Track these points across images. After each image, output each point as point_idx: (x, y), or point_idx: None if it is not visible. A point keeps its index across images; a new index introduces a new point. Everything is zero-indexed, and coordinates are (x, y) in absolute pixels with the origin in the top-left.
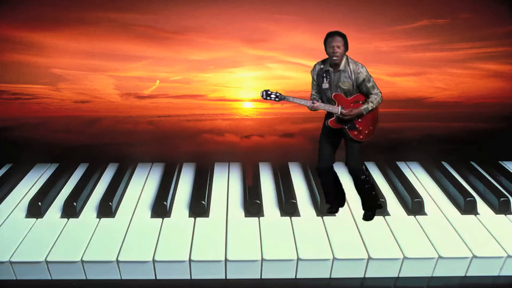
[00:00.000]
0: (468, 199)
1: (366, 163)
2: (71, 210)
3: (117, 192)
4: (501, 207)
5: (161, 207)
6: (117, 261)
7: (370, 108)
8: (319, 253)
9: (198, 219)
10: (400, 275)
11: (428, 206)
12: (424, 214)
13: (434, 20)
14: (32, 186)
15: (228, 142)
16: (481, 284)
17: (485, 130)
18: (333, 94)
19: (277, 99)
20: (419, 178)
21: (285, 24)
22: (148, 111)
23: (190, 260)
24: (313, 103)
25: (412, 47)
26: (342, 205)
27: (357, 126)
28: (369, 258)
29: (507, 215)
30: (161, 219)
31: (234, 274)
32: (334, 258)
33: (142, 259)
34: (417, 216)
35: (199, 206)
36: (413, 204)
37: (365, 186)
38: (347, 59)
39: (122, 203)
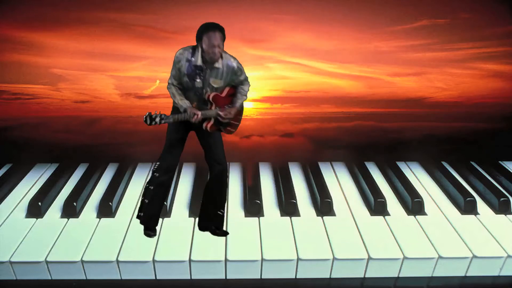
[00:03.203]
0: (468, 199)
1: (366, 163)
2: (71, 210)
3: (117, 192)
4: (501, 207)
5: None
6: (117, 261)
7: (244, 100)
8: (319, 253)
9: (198, 219)
10: (400, 275)
11: (428, 206)
12: (424, 214)
13: (434, 20)
14: (32, 186)
15: (228, 142)
16: (481, 284)
17: (485, 130)
18: (211, 95)
19: (162, 121)
20: (419, 178)
21: (285, 24)
22: (148, 111)
23: (190, 260)
24: (194, 114)
25: (412, 47)
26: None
27: (232, 122)
28: (369, 258)
29: (507, 215)
30: (161, 219)
31: (234, 274)
32: (334, 258)
33: (142, 259)
34: (417, 216)
35: (199, 206)
36: (413, 204)
37: (226, 188)
38: (221, 53)
39: (122, 203)
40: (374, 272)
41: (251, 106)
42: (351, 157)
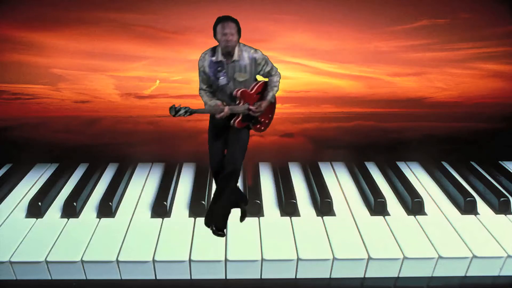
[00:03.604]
0: (468, 199)
1: (366, 163)
2: (71, 210)
3: (117, 192)
4: (501, 207)
5: (161, 207)
6: (117, 261)
7: (275, 92)
8: (319, 253)
9: (198, 219)
10: (400, 275)
11: (428, 206)
12: (424, 214)
13: (434, 20)
14: (32, 186)
15: None
16: (481, 284)
17: (485, 130)
18: (239, 91)
19: (187, 114)
20: (419, 178)
21: (285, 24)
22: (148, 111)
23: (190, 260)
24: (224, 106)
25: (412, 47)
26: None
27: (261, 119)
28: (369, 258)
29: (507, 215)
30: (161, 219)
31: (234, 274)
32: (334, 258)
33: (142, 259)
34: (417, 216)
35: (199, 206)
36: (413, 204)
37: (231, 188)
38: (239, 46)
39: (122, 203)
40: (374, 272)
41: None
42: (351, 157)
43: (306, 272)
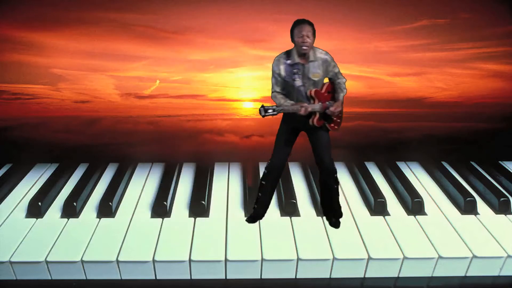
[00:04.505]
0: (468, 199)
1: (366, 163)
2: (71, 210)
3: (117, 192)
4: (501, 207)
5: (161, 207)
6: (117, 261)
7: (345, 93)
8: (319, 253)
9: (198, 219)
10: (400, 275)
11: (428, 206)
12: (424, 214)
13: (434, 20)
14: (32, 186)
15: (228, 142)
16: (481, 284)
17: (485, 130)
18: (312, 91)
19: (275, 113)
20: (419, 178)
21: (285, 24)
22: (148, 111)
23: (190, 260)
24: (304, 106)
25: (412, 47)
26: (265, 212)
27: (335, 119)
28: (369, 258)
29: (507, 215)
30: (161, 219)
31: (234, 274)
32: (334, 258)
33: (142, 259)
34: (417, 216)
35: (199, 206)
36: (413, 204)
37: (334, 187)
38: (312, 48)
39: (122, 203)
40: (374, 272)
41: (251, 106)
42: (351, 157)
43: (306, 272)
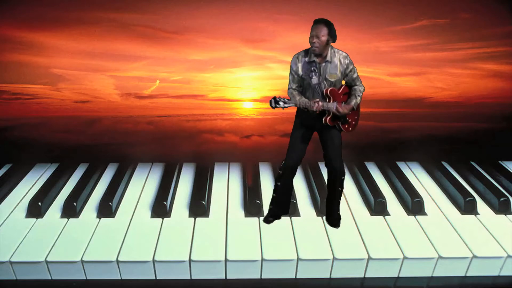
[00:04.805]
0: (468, 199)
1: (366, 163)
2: (71, 210)
3: (117, 192)
4: (501, 207)
5: (161, 207)
6: (117, 261)
7: (358, 102)
8: (319, 253)
9: (198, 219)
10: (400, 275)
11: (428, 206)
12: (424, 214)
13: (434, 20)
14: (32, 186)
15: (228, 142)
16: (481, 284)
17: (485, 130)
18: (328, 90)
19: (286, 105)
20: (419, 178)
21: (285, 24)
22: (148, 111)
23: (190, 260)
24: (318, 102)
25: (412, 47)
26: (286, 212)
27: (348, 119)
28: (369, 258)
29: (507, 215)
30: (161, 219)
31: (234, 274)
32: (334, 258)
33: (142, 259)
34: (417, 216)
35: (199, 206)
36: (413, 204)
37: (339, 189)
38: (332, 49)
39: (122, 203)
40: (374, 272)
41: (251, 106)
42: (351, 157)
43: (306, 272)
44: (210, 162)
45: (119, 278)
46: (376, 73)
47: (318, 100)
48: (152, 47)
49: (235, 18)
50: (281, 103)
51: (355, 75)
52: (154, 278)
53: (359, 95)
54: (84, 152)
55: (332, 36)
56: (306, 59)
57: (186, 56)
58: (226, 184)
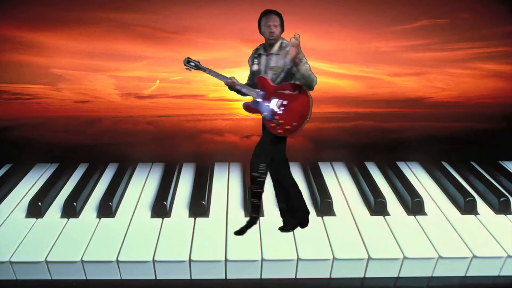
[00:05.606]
0: (468, 199)
1: (366, 163)
2: (71, 210)
3: (117, 192)
4: (501, 207)
5: (161, 207)
6: (117, 261)
7: (307, 72)
8: (319, 253)
9: (198, 219)
10: (400, 275)
11: (428, 206)
12: (424, 214)
13: (434, 20)
14: (32, 186)
15: (228, 142)
16: (481, 284)
17: (485, 130)
18: (260, 77)
19: (195, 67)
20: (419, 178)
21: (285, 24)
22: (148, 111)
23: (190, 260)
24: (231, 79)
25: (412, 47)
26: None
27: (276, 117)
28: (369, 258)
29: (507, 215)
30: (161, 219)
31: (234, 274)
32: (334, 258)
33: (142, 259)
34: (417, 216)
35: (199, 206)
36: (413, 204)
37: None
38: (282, 42)
39: (122, 203)
40: (374, 272)
41: None
42: (351, 157)
43: (306, 272)
44: (210, 162)
45: (119, 278)
46: (376, 73)
47: (234, 78)
48: (152, 47)
49: (235, 18)
50: (192, 63)
51: (305, 64)
52: (154, 278)
53: (309, 70)
54: (84, 152)
55: (283, 27)
56: (258, 49)
57: (186, 56)
58: (226, 184)
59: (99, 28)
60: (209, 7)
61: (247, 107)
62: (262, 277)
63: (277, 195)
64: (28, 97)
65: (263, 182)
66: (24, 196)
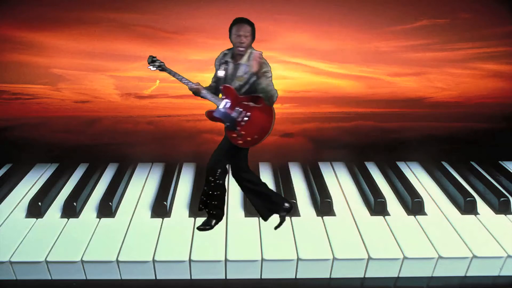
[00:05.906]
0: (468, 199)
1: (366, 163)
2: (71, 210)
3: (117, 192)
4: (501, 207)
5: (161, 207)
6: (117, 261)
7: (268, 86)
8: (319, 253)
9: (198, 219)
10: (400, 275)
11: (428, 206)
12: (424, 214)
13: (434, 20)
14: (32, 186)
15: None
16: (481, 284)
17: (485, 130)
18: (222, 85)
19: (159, 68)
20: (419, 178)
21: (285, 24)
22: (148, 111)
23: (190, 260)
24: (197, 85)
25: (412, 47)
26: (219, 218)
27: (238, 128)
28: (369, 258)
29: (507, 215)
30: (161, 219)
31: (234, 274)
32: (334, 258)
33: (142, 259)
34: (417, 216)
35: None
36: (413, 204)
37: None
38: (251, 54)
39: (122, 203)
40: (374, 272)
41: None
42: (351, 157)
43: (306, 272)
44: None
45: (119, 278)
46: (376, 73)
47: (199, 84)
48: (152, 47)
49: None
50: (156, 63)
51: (269, 76)
52: (154, 278)
53: (270, 83)
54: (84, 152)
55: (254, 36)
56: (226, 52)
57: (186, 56)
58: (226, 184)
59: (99, 28)
60: (209, 7)
61: (210, 115)
62: (262, 277)
63: (251, 200)
64: (28, 97)
65: (220, 185)
66: (24, 196)
